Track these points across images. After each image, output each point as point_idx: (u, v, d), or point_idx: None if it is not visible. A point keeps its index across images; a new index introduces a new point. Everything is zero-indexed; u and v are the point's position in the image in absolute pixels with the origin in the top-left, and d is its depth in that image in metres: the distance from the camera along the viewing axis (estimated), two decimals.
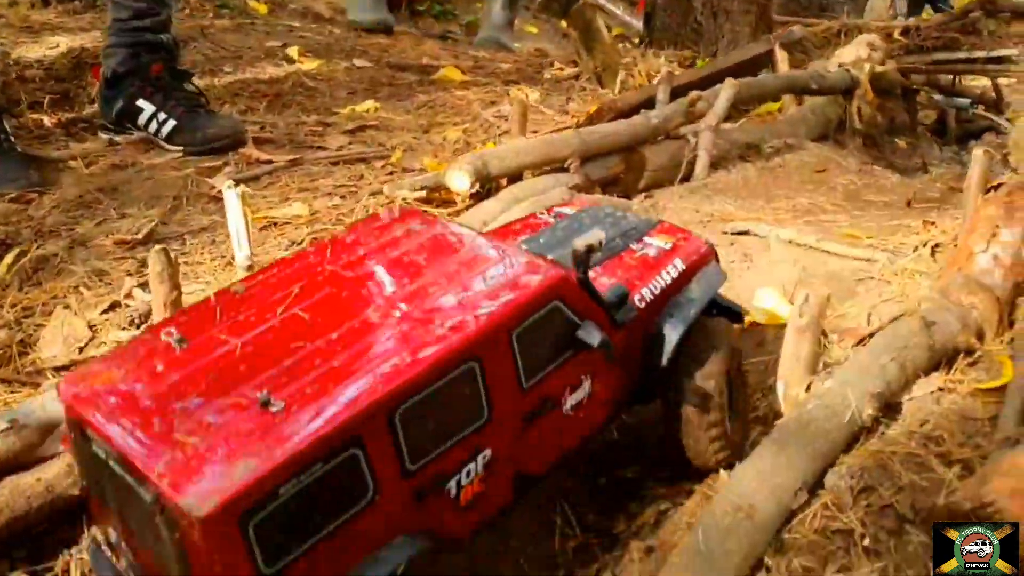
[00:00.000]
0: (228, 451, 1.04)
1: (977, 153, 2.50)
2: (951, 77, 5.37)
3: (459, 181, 2.86)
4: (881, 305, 2.30)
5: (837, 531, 1.61)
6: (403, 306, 1.28)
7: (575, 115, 3.80)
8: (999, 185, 2.56)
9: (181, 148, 3.55)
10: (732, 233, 2.80)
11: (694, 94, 3.32)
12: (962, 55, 5.33)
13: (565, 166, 3.03)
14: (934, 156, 4.73)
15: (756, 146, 3.62)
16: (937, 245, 2.45)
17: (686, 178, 3.28)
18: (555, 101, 4.57)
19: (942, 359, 2.00)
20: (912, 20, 7.04)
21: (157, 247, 1.90)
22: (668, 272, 1.61)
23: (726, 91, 3.29)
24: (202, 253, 2.74)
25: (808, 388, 1.87)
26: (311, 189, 3.26)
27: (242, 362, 1.20)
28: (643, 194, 3.18)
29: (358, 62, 4.97)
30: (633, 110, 3.45)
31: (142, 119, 3.60)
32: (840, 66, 4.30)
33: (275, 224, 2.98)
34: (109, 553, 1.25)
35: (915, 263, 2.42)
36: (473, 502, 1.31)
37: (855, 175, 3.56)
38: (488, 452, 1.30)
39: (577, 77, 5.00)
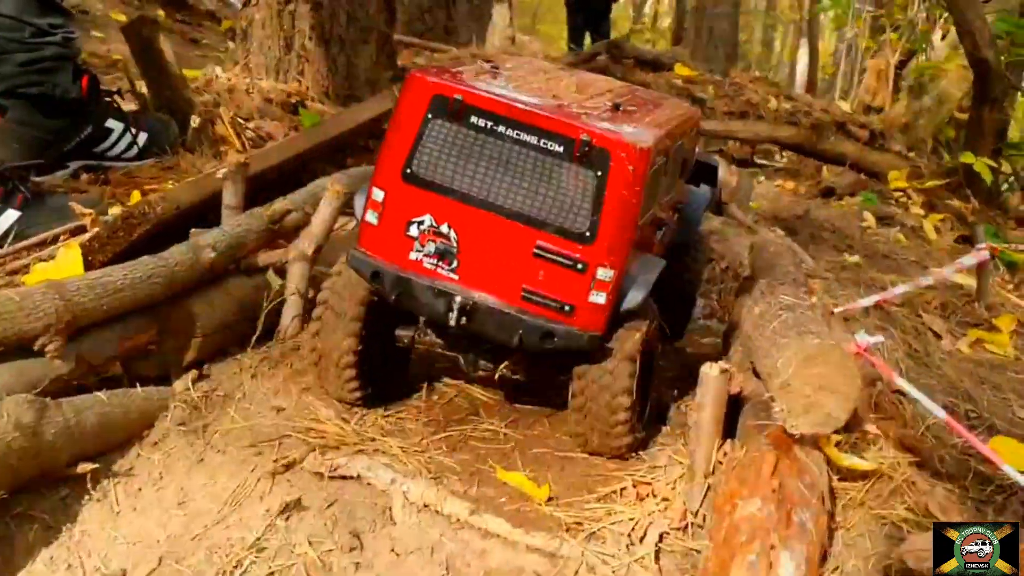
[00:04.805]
0: (621, 124, 1.68)
1: (708, 373, 1.56)
2: None
3: None
4: None
5: None
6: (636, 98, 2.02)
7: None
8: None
9: None
10: (331, 475, 1.67)
11: (280, 204, 2.14)
12: None
13: (36, 347, 1.70)
14: None
15: None
16: (664, 535, 1.48)
17: (266, 335, 2.09)
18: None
19: None
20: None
21: None
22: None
23: (328, 201, 2.12)
24: None
25: None
26: None
27: (563, 86, 1.86)
28: (192, 371, 1.94)
29: None
30: (182, 219, 2.16)
31: None
32: None
33: None
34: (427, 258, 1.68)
35: (628, 571, 1.44)
36: None
37: None
38: (664, 225, 1.96)
39: None
